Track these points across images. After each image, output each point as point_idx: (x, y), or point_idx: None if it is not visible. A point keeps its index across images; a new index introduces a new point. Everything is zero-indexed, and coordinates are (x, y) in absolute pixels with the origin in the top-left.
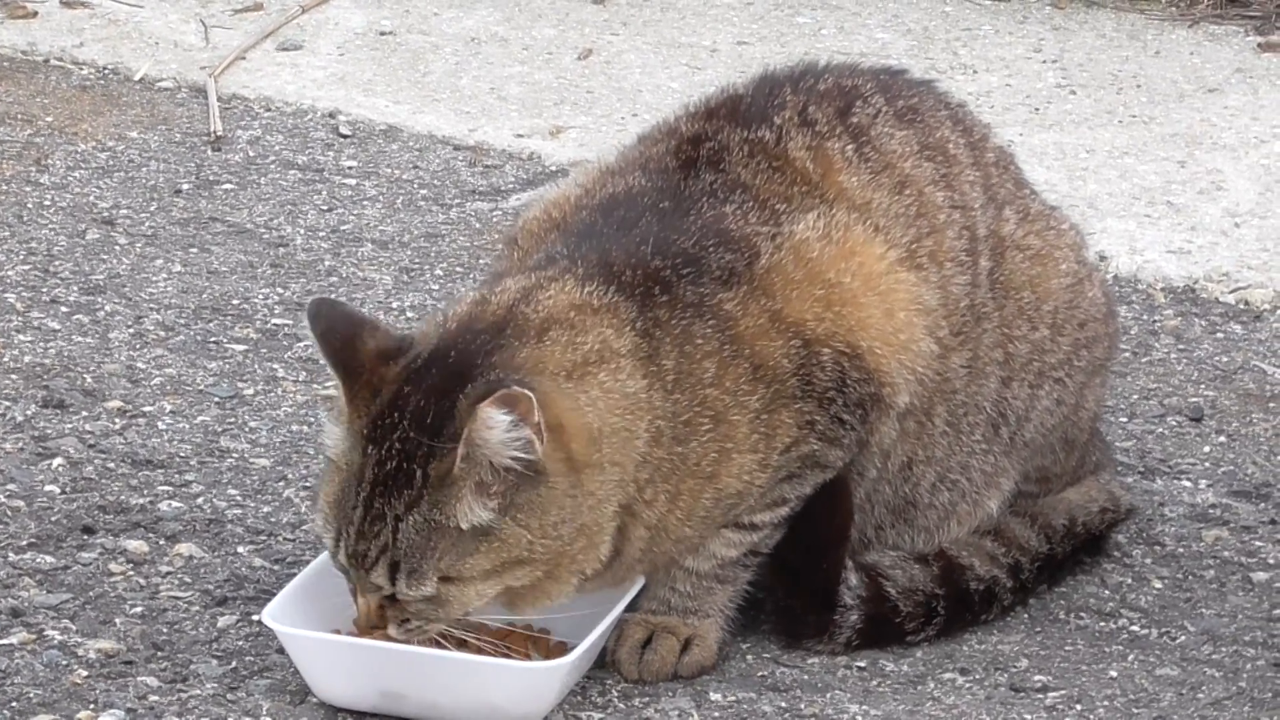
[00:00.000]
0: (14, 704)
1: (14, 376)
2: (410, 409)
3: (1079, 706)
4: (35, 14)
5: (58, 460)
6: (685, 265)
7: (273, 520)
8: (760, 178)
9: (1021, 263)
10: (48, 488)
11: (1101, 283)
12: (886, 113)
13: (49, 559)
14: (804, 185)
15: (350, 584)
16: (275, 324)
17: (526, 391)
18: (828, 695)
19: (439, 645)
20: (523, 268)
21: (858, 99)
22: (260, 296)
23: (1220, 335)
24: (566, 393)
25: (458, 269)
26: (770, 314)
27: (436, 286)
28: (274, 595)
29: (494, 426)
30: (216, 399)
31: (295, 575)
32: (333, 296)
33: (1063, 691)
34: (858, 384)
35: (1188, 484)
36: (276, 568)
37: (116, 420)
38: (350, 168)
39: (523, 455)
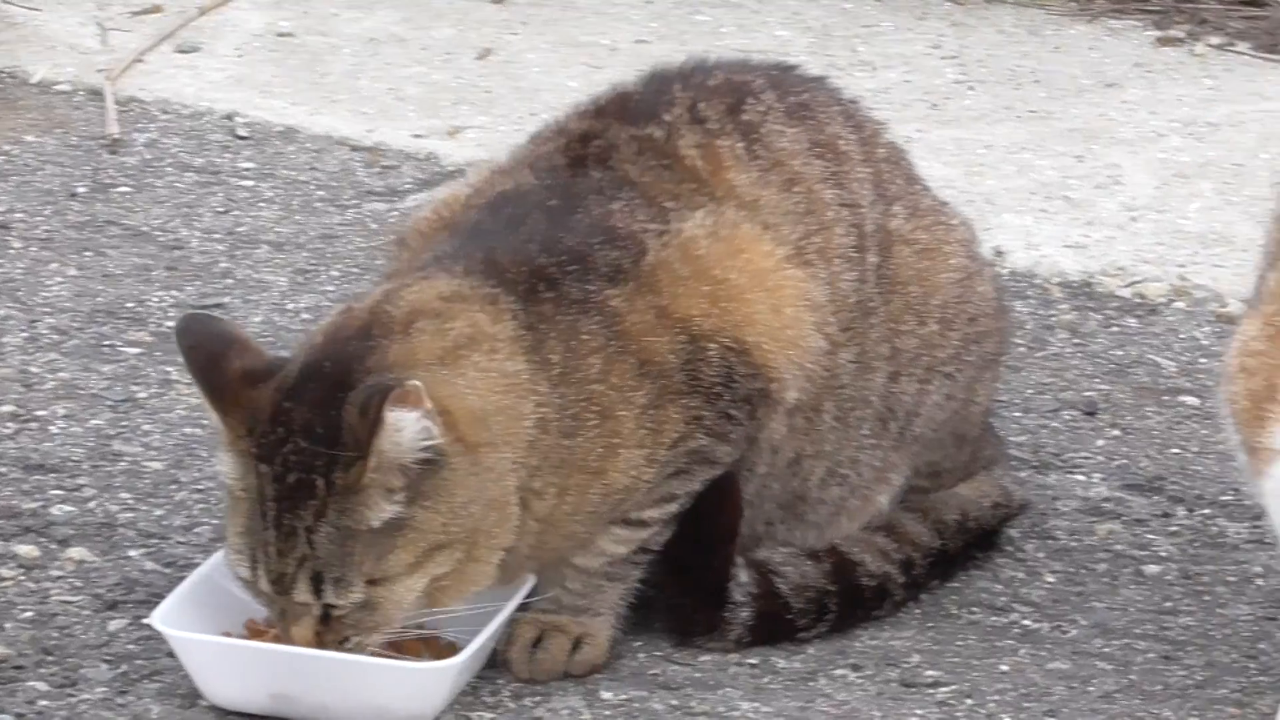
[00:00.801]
0: None
1: None
2: (297, 423)
3: (970, 701)
4: None
5: None
6: (572, 262)
7: (165, 524)
8: (649, 175)
9: (910, 258)
10: None
11: (992, 278)
12: (777, 109)
13: None
14: (693, 183)
15: (275, 617)
16: (169, 327)
17: (415, 383)
18: (719, 693)
19: None
20: (411, 268)
21: (748, 96)
22: (155, 299)
23: (1116, 329)
24: (443, 379)
25: (354, 270)
26: (657, 310)
27: (333, 288)
28: (165, 599)
29: (402, 428)
30: (110, 402)
31: (186, 578)
32: (209, 312)
33: (954, 686)
34: (745, 379)
35: (1081, 478)
36: (168, 571)
37: (9, 425)
38: (247, 169)
39: (428, 444)
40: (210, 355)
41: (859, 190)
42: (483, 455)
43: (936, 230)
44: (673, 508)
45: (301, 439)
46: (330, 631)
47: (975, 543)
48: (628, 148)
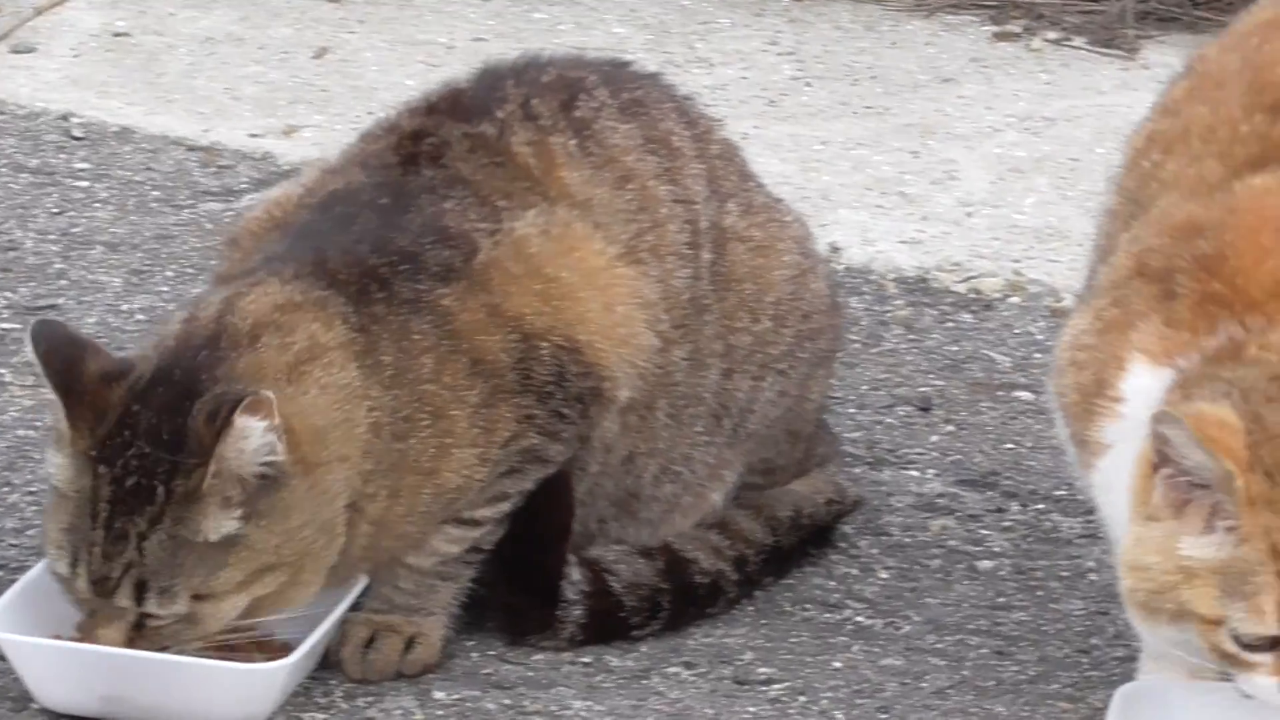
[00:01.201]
0: None
1: None
2: (143, 427)
3: (803, 698)
4: None
5: None
6: (403, 262)
7: None
8: (481, 173)
9: (744, 255)
10: None
11: (826, 274)
12: (611, 106)
13: None
14: (526, 181)
15: (85, 617)
16: (2, 328)
17: (269, 394)
18: (552, 691)
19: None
20: (244, 269)
21: (581, 92)
22: None
23: (950, 325)
24: (289, 396)
25: (189, 270)
26: (488, 309)
27: (167, 289)
28: None
29: (248, 436)
30: None
31: (17, 581)
32: (55, 316)
33: (787, 683)
34: (577, 378)
35: (915, 474)
36: (0, 574)
37: None
38: (82, 170)
39: (270, 460)
40: (67, 360)
41: (693, 187)
42: (319, 476)
43: (770, 227)
44: (505, 506)
45: (145, 444)
46: (143, 639)
47: (809, 539)
48: (460, 145)
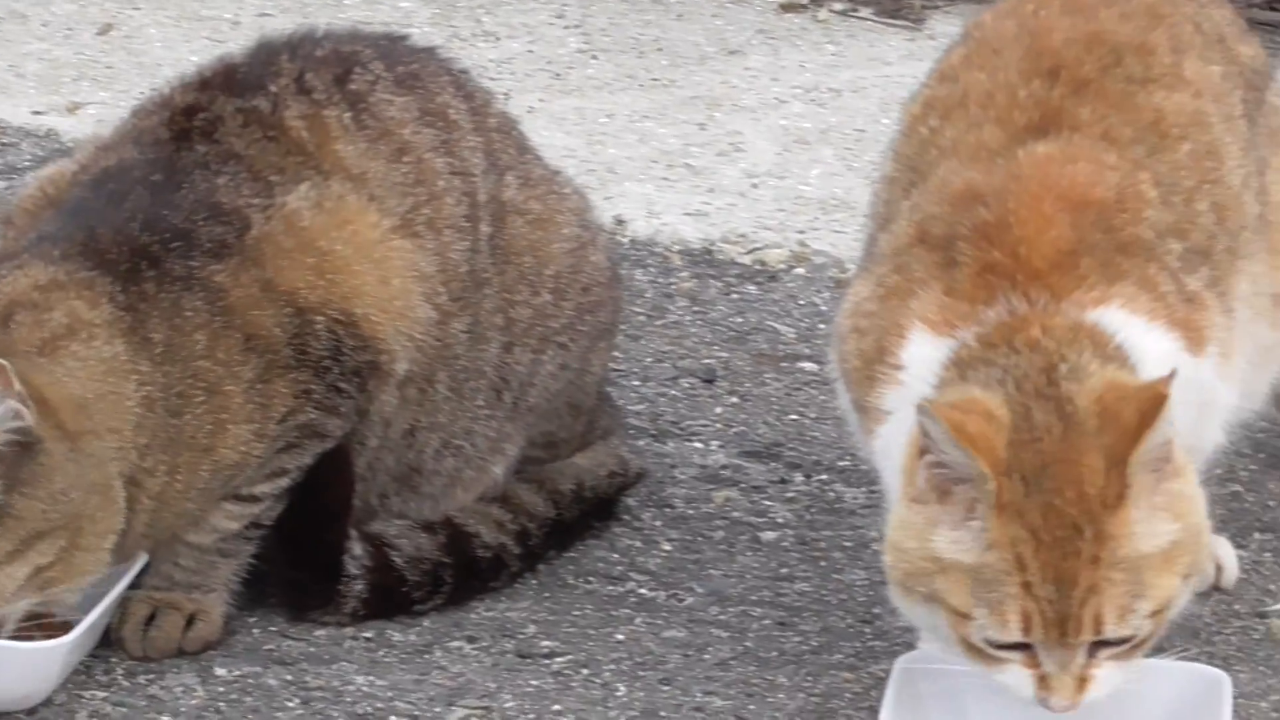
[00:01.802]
0: None
1: None
2: None
3: (585, 671)
4: None
5: None
6: (175, 239)
7: None
8: (255, 148)
9: (523, 228)
10: None
11: (606, 247)
12: (386, 79)
13: None
14: (299, 155)
15: None
16: None
17: (3, 362)
18: (334, 667)
19: None
20: (16, 248)
21: (357, 65)
22: None
23: (735, 296)
24: (41, 367)
25: None
26: (262, 284)
27: None
28: None
29: None
30: None
31: None
32: None
33: (570, 656)
34: (354, 351)
35: (699, 445)
36: None
37: None
38: None
39: (17, 426)
40: None
41: (470, 159)
42: (84, 442)
43: (549, 200)
44: (284, 482)
45: None
46: None
47: (592, 512)
48: (233, 120)
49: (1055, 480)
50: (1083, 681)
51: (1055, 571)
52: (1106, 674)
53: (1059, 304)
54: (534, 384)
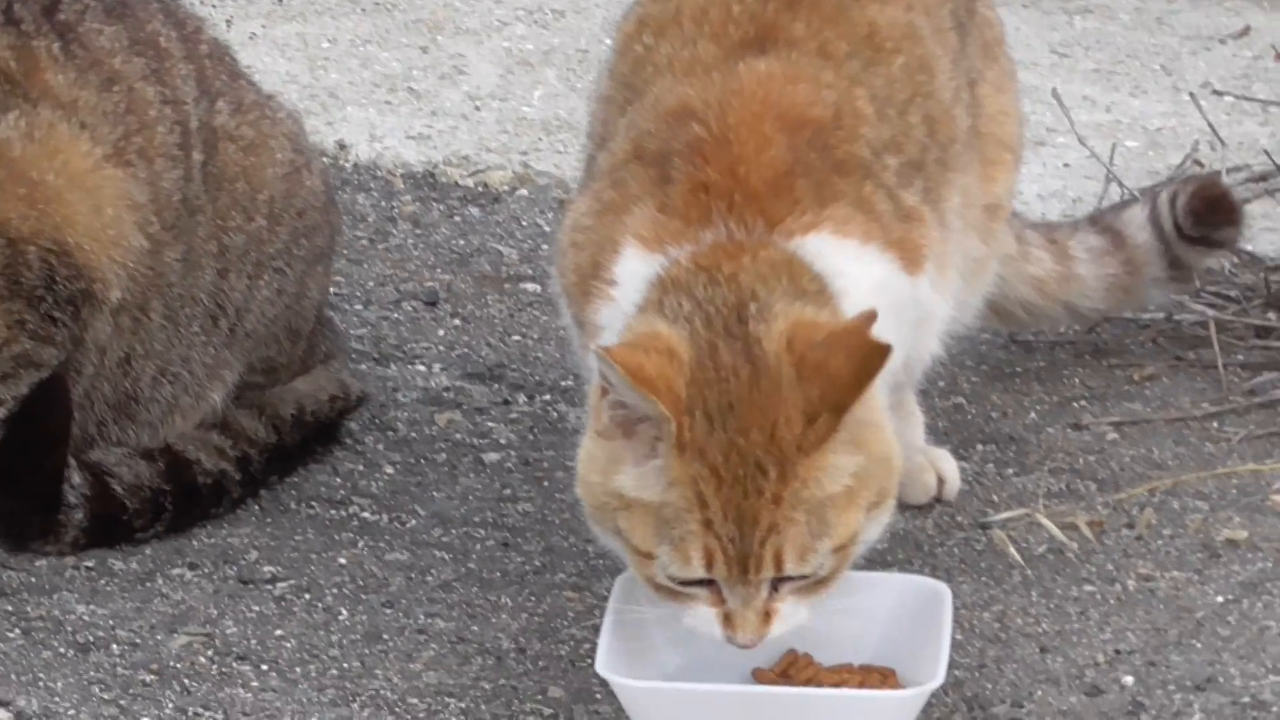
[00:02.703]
0: None
1: None
2: None
3: (308, 595)
4: None
5: None
6: None
7: None
8: None
9: (235, 154)
10: None
11: (321, 171)
12: (95, 8)
13: None
14: (7, 85)
15: None
16: None
17: None
18: (55, 597)
19: None
20: None
21: None
22: None
23: (458, 219)
24: None
25: None
26: None
27: None
28: None
29: None
30: None
31: None
32: None
33: (292, 581)
34: (67, 281)
35: (422, 368)
36: None
37: None
38: None
39: None
40: None
41: (182, 87)
42: None
43: (262, 125)
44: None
45: None
46: None
47: (313, 437)
48: None
49: (741, 421)
50: (767, 616)
51: (737, 510)
52: (790, 609)
53: (770, 232)
54: (251, 310)
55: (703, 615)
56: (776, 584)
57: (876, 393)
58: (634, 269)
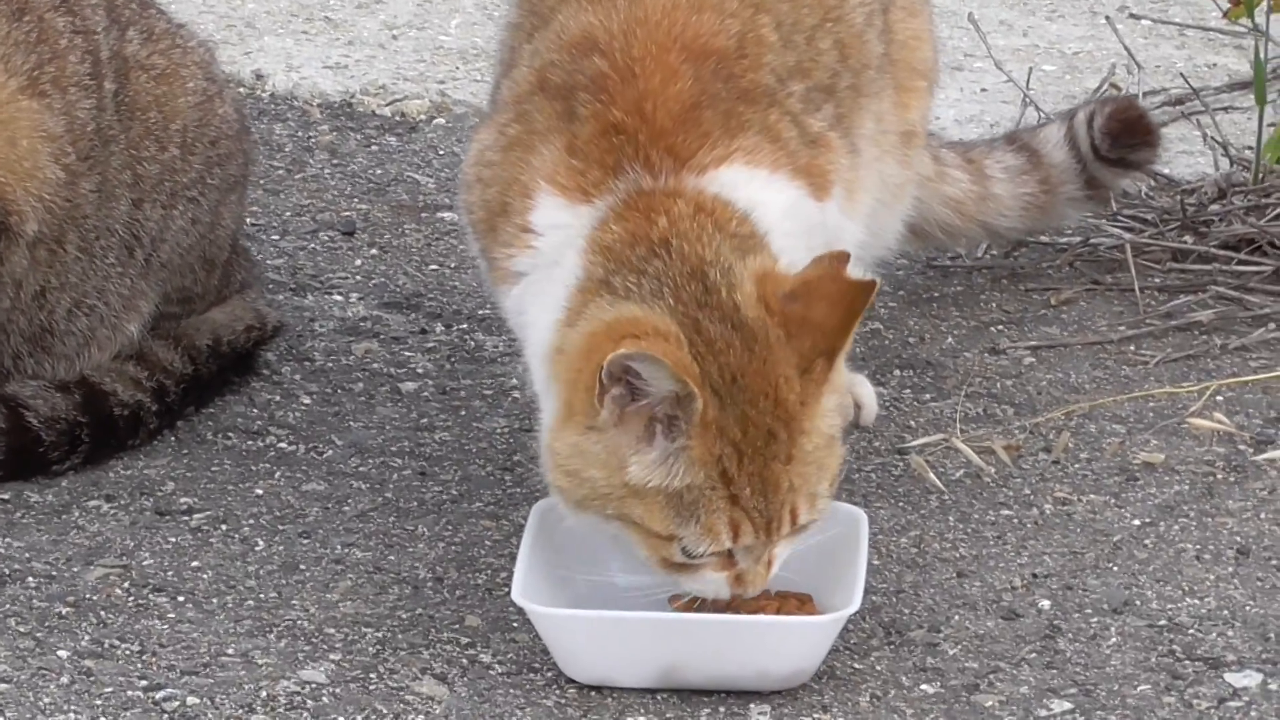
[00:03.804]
0: None
1: None
2: None
3: (225, 526)
4: None
5: None
6: None
7: None
8: None
9: (147, 83)
10: None
11: (234, 99)
12: None
13: None
14: None
15: None
16: None
17: None
18: None
19: None
20: None
21: None
22: None
23: (375, 148)
24: None
25: None
26: None
27: None
28: None
29: None
30: None
31: None
32: None
33: (209, 512)
34: None
35: (339, 298)
36: None
37: None
38: None
39: None
40: None
41: (92, 17)
42: None
43: (174, 54)
44: None
45: None
46: None
47: (230, 367)
48: None
49: (748, 391)
50: (769, 564)
51: (760, 479)
52: (784, 549)
53: (681, 169)
54: (165, 240)
55: (710, 579)
56: None
57: None
58: (557, 219)
